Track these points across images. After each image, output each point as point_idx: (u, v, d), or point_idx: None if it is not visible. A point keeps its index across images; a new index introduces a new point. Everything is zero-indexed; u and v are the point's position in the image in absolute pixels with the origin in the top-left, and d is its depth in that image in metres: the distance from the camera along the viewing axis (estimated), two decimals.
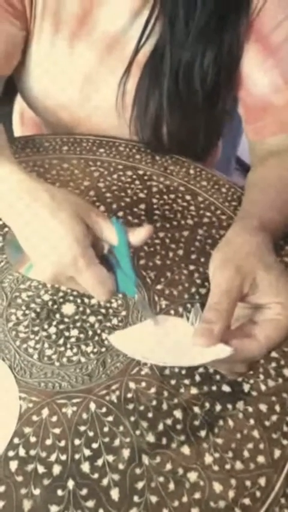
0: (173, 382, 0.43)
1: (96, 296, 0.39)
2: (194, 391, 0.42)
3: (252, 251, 0.40)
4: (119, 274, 0.40)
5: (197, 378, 0.43)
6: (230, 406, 0.42)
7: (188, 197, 0.58)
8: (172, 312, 0.47)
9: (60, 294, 0.47)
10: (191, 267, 0.51)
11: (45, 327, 0.45)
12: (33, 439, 0.39)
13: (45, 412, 0.40)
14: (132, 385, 0.42)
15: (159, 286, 0.49)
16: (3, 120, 0.87)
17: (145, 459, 0.39)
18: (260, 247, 0.41)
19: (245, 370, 0.38)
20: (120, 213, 0.55)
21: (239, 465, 0.39)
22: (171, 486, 0.38)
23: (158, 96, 0.59)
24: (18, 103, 0.83)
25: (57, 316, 0.46)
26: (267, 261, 0.39)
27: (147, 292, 0.48)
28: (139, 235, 0.41)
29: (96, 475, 0.38)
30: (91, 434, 0.39)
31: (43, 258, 0.39)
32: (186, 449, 0.39)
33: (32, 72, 0.62)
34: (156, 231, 0.54)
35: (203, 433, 0.40)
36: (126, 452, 0.39)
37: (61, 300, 0.47)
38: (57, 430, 0.39)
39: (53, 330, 0.45)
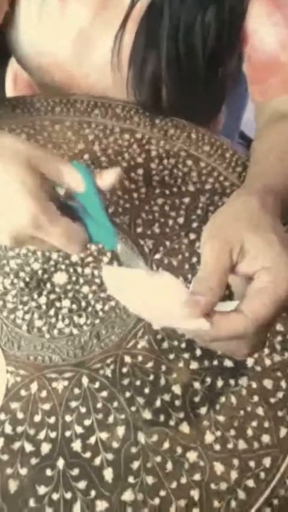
0: (171, 356, 0.40)
1: (69, 251, 0.36)
2: (194, 365, 0.39)
3: (243, 214, 0.36)
4: (89, 222, 0.36)
5: (198, 352, 0.40)
6: (232, 382, 0.39)
7: (189, 162, 0.54)
8: None
9: (52, 262, 0.44)
10: (192, 236, 0.48)
11: (35, 296, 0.42)
12: (20, 415, 0.36)
13: (34, 386, 0.37)
14: (127, 359, 0.39)
15: (157, 256, 0.46)
16: None
17: (141, 437, 0.36)
18: (253, 208, 0.37)
19: (246, 350, 0.35)
20: None
21: (242, 444, 0.37)
22: (169, 466, 0.35)
23: (156, 54, 0.54)
24: (12, 66, 0.79)
25: (48, 285, 0.43)
26: (259, 222, 0.36)
27: (144, 262, 0.45)
28: (108, 178, 0.36)
29: (88, 454, 0.35)
30: (83, 410, 0.36)
31: None
32: (185, 427, 0.37)
33: (23, 28, 0.57)
34: (155, 197, 0.50)
35: (203, 410, 0.38)
36: (120, 430, 0.36)
37: (52, 268, 0.44)
38: (46, 406, 0.36)
39: (43, 300, 0.42)
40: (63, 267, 0.44)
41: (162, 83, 0.56)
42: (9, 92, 0.79)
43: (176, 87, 0.57)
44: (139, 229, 0.47)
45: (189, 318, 0.32)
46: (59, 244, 0.35)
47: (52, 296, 0.42)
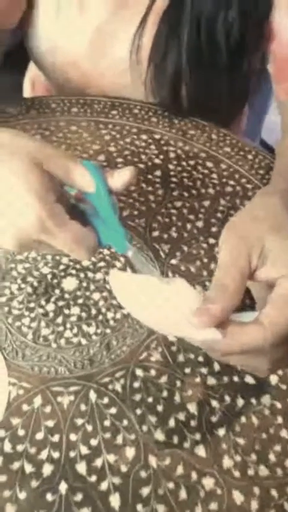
0: (187, 370, 0.36)
1: (77, 257, 0.33)
2: (212, 381, 0.36)
3: (264, 214, 0.33)
4: (99, 224, 0.34)
5: (216, 367, 0.37)
6: (254, 401, 0.35)
7: (209, 164, 0.51)
8: None
9: (62, 266, 0.41)
10: (211, 241, 0.44)
11: (43, 303, 0.39)
12: (21, 432, 0.33)
13: (37, 400, 0.34)
14: (139, 372, 0.36)
15: (173, 261, 0.43)
16: (14, 90, 0.82)
17: (152, 460, 0.33)
18: (276, 208, 0.34)
19: (267, 366, 0.31)
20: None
21: (264, 471, 0.33)
22: (183, 494, 0.32)
23: (177, 51, 0.52)
24: (30, 71, 0.78)
25: (57, 291, 0.40)
26: (281, 224, 0.33)
27: (160, 267, 0.42)
28: (120, 177, 0.33)
29: (93, 478, 0.32)
30: (90, 428, 0.33)
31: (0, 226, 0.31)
32: (201, 450, 0.33)
33: (40, 25, 0.56)
34: (173, 200, 0.47)
35: (221, 432, 0.34)
36: (130, 452, 0.33)
37: (62, 273, 0.41)
38: (50, 423, 0.34)
39: (51, 306, 0.39)
40: (73, 271, 0.41)
41: (183, 80, 0.54)
42: (27, 95, 0.78)
43: (197, 84, 0.54)
44: (155, 233, 0.45)
45: (198, 328, 0.29)
46: (67, 250, 0.32)
47: (60, 303, 0.39)
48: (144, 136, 0.53)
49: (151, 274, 0.33)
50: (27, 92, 0.79)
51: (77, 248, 0.32)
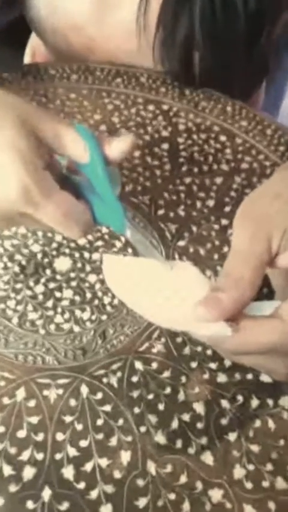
0: (194, 365, 0.32)
1: (67, 233, 0.28)
2: (222, 378, 0.31)
3: (287, 191, 0.28)
4: (94, 200, 0.29)
5: (227, 362, 0.32)
6: (270, 402, 0.31)
7: (223, 138, 0.46)
8: None
9: (54, 245, 0.37)
10: (224, 222, 0.40)
11: (31, 284, 0.35)
12: (1, 429, 0.29)
13: (20, 393, 0.30)
14: (139, 365, 0.32)
15: (181, 243, 0.38)
16: (14, 64, 0.78)
17: (151, 467, 0.28)
18: None
19: (285, 370, 0.27)
20: (137, 153, 0.44)
21: (280, 483, 0.28)
22: (186, 507, 0.27)
23: (188, 14, 0.47)
24: (31, 42, 0.73)
25: (48, 272, 0.36)
26: None
27: (165, 249, 0.38)
28: (119, 146, 0.29)
29: (82, 485, 0.27)
30: (79, 427, 0.29)
31: None
32: (208, 457, 0.29)
33: None
34: (181, 176, 0.43)
35: (232, 436, 0.29)
36: (125, 456, 0.28)
37: (54, 252, 0.37)
38: (34, 419, 0.29)
39: (40, 288, 0.35)
40: (67, 251, 0.37)
41: (195, 47, 0.49)
42: None
43: (211, 52, 0.49)
44: (161, 212, 0.40)
45: (204, 321, 0.24)
46: (55, 225, 0.28)
47: (51, 284, 0.35)
48: (151, 107, 0.48)
49: (153, 257, 0.29)
50: (27, 62, 0.74)
51: (67, 223, 0.28)
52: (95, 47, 0.53)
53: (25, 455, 0.28)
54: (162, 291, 0.26)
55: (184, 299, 0.26)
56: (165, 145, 0.45)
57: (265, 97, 0.64)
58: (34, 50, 0.70)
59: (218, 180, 0.43)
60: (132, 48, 0.52)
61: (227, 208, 0.41)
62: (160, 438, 0.29)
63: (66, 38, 0.53)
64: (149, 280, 0.27)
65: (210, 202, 0.41)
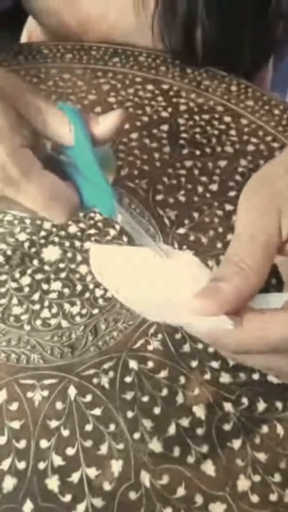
0: (194, 363, 0.29)
1: (51, 217, 0.26)
2: (225, 378, 0.28)
3: None
4: (83, 182, 0.27)
5: (231, 361, 0.29)
6: (279, 405, 0.28)
7: (227, 119, 0.43)
8: None
9: (42, 233, 0.34)
10: (228, 207, 0.37)
11: (16, 276, 0.32)
12: None
13: (1, 395, 0.27)
14: (133, 364, 0.29)
15: (181, 230, 0.35)
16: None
17: (145, 478, 0.25)
18: None
19: None
20: (135, 135, 0.41)
21: None
22: None
23: None
24: (27, 27, 0.70)
25: (35, 262, 0.33)
26: None
27: (164, 237, 0.34)
28: (107, 123, 0.26)
29: (67, 497, 0.25)
30: (66, 433, 0.26)
31: None
32: (209, 467, 0.26)
33: None
34: (182, 159, 0.39)
35: (236, 444, 0.26)
36: (116, 466, 0.25)
37: (42, 241, 0.34)
38: (15, 424, 0.26)
39: (26, 280, 0.32)
40: (56, 239, 0.34)
41: (198, 24, 0.46)
42: None
43: (215, 28, 0.46)
44: (159, 197, 0.37)
45: (201, 314, 0.21)
46: (37, 207, 0.25)
47: (39, 276, 0.32)
48: (150, 87, 0.45)
49: (147, 243, 0.26)
50: None
51: (51, 205, 0.25)
52: (90, 26, 0.50)
53: (5, 465, 0.25)
54: (155, 282, 0.24)
55: (180, 291, 0.23)
56: (165, 127, 0.42)
57: (273, 75, 0.61)
58: (30, 33, 0.67)
59: (222, 163, 0.39)
60: (129, 26, 0.49)
61: (232, 193, 0.37)
62: (155, 446, 0.26)
63: (61, 18, 0.50)
64: (141, 271, 0.24)
65: (213, 187, 0.38)
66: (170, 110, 0.43)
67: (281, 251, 0.24)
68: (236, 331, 0.21)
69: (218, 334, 0.21)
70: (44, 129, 0.26)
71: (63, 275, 0.32)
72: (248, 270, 0.22)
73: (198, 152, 0.40)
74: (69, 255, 0.33)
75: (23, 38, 0.70)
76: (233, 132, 0.42)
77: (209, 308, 0.20)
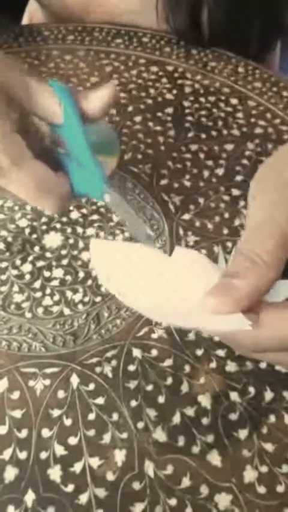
0: (199, 352, 0.28)
1: (41, 206, 0.25)
2: (231, 367, 0.28)
3: None
4: (74, 167, 0.26)
5: None
6: (287, 394, 0.27)
7: (234, 101, 0.41)
8: (204, 251, 0.32)
9: (44, 219, 0.33)
10: (235, 192, 0.35)
11: (17, 262, 0.31)
12: None
13: (3, 384, 0.27)
14: (137, 352, 0.28)
15: (186, 216, 0.34)
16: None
17: (149, 468, 0.25)
18: None
19: None
20: (138, 118, 0.39)
21: None
22: None
23: None
24: (29, 9, 0.69)
25: (36, 249, 0.32)
26: None
27: (168, 223, 0.34)
28: (97, 99, 0.25)
29: (70, 488, 0.24)
30: (68, 423, 0.26)
31: None
32: (215, 458, 0.25)
33: None
34: (187, 142, 0.38)
35: (242, 434, 0.26)
36: (119, 455, 0.25)
37: (44, 227, 0.33)
38: (17, 413, 0.26)
39: (27, 267, 0.31)
40: (58, 225, 0.33)
41: (204, 2, 0.44)
42: None
43: (221, 8, 0.44)
44: (163, 182, 0.36)
45: (215, 313, 0.20)
46: (27, 197, 0.24)
47: (40, 263, 0.31)
48: (154, 68, 0.43)
49: (141, 230, 0.24)
50: None
51: (41, 196, 0.24)
52: (92, 7, 0.48)
53: (6, 454, 0.25)
54: (162, 283, 0.22)
55: (190, 290, 0.21)
56: (170, 110, 0.40)
57: (281, 57, 0.59)
58: (32, 15, 0.66)
59: (229, 146, 0.38)
60: (133, 6, 0.48)
61: (239, 178, 0.36)
62: (160, 435, 0.25)
63: None
64: (146, 270, 0.23)
65: (220, 171, 0.37)
66: (174, 92, 0.42)
67: None
68: (253, 331, 0.20)
69: (235, 335, 0.20)
70: (33, 108, 0.25)
71: (65, 262, 0.31)
72: (263, 265, 0.20)
73: (204, 135, 0.39)
74: (71, 241, 0.32)
75: (25, 20, 0.69)
76: (240, 114, 0.40)
77: (223, 306, 0.19)
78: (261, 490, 0.25)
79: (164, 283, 0.22)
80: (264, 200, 0.22)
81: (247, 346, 0.21)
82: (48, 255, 0.32)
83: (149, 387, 0.27)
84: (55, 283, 0.30)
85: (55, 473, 0.24)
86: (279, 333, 0.20)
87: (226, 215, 0.34)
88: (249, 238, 0.21)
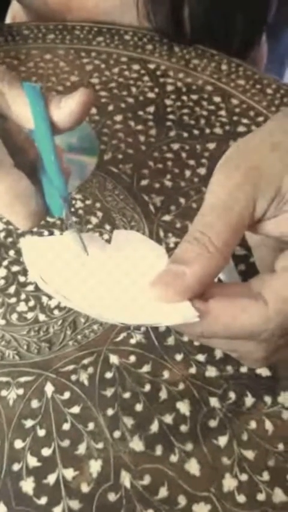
0: (178, 356, 0.27)
1: (13, 220, 0.23)
2: (211, 372, 0.27)
3: (286, 142, 0.22)
4: (45, 182, 0.23)
5: (218, 353, 0.28)
6: (268, 399, 0.26)
7: (217, 99, 0.41)
8: None
9: None
10: None
11: None
12: None
13: None
14: (114, 359, 0.27)
15: (167, 217, 0.33)
16: None
17: (125, 478, 0.24)
18: None
19: (262, 353, 0.22)
20: (119, 117, 0.39)
21: (279, 496, 0.24)
22: None
23: None
24: (12, 9, 0.68)
25: (11, 253, 0.31)
26: None
27: (148, 224, 0.33)
28: (68, 107, 0.23)
29: (43, 500, 0.23)
30: (42, 433, 0.25)
31: None
32: (193, 466, 0.24)
33: None
34: (169, 141, 0.37)
35: (222, 441, 0.25)
36: (95, 466, 0.24)
37: (19, 230, 0.32)
38: None
39: (2, 272, 0.30)
40: (34, 229, 0.32)
41: None
42: None
43: (203, 4, 0.43)
44: (144, 182, 0.35)
45: (162, 303, 0.19)
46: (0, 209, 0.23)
47: (15, 268, 0.30)
48: (136, 66, 0.43)
49: (95, 241, 0.23)
50: None
51: (13, 208, 0.22)
52: (73, 5, 0.47)
53: None
54: (103, 274, 0.21)
55: (133, 277, 0.20)
56: (151, 108, 0.40)
57: (269, 56, 0.58)
58: (14, 15, 0.65)
59: (211, 145, 0.37)
60: (114, 4, 0.47)
61: None
62: (137, 444, 0.25)
63: None
64: (84, 262, 0.21)
65: (202, 171, 0.36)
66: (156, 90, 0.41)
67: (252, 229, 0.22)
68: (200, 322, 0.19)
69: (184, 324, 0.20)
70: (6, 112, 0.24)
71: None
72: (215, 252, 0.19)
73: (185, 134, 0.38)
74: None
75: (7, 20, 0.68)
76: (222, 112, 0.40)
77: (169, 296, 0.18)
78: (241, 499, 0.24)
79: (105, 274, 0.21)
80: (225, 186, 0.21)
81: (194, 332, 0.20)
82: (23, 259, 0.31)
83: (126, 395, 0.26)
84: (30, 288, 0.30)
85: (28, 485, 0.24)
86: (227, 325, 0.19)
87: None
88: (204, 222, 0.20)
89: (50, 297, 0.29)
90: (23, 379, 0.26)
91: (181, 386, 0.27)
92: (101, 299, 0.20)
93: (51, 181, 0.23)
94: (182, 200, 0.34)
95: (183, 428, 0.25)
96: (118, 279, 0.20)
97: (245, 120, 0.39)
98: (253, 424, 0.26)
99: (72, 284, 0.20)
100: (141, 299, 0.19)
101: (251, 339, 0.20)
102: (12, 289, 0.29)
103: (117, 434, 0.25)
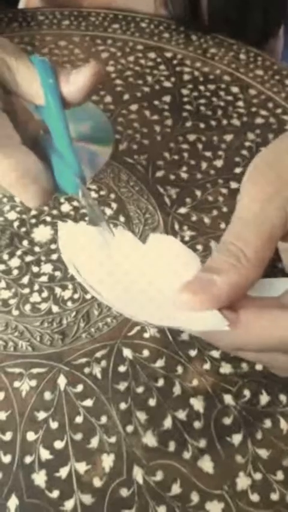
0: (193, 352, 0.27)
1: (21, 198, 0.23)
2: (226, 369, 0.27)
3: None
4: (55, 160, 0.23)
5: None
6: (283, 398, 0.26)
7: (234, 89, 0.40)
8: (199, 247, 0.31)
9: (33, 212, 0.32)
10: (234, 185, 0.34)
11: (5, 257, 0.30)
12: None
13: None
14: (127, 353, 0.27)
15: (182, 210, 0.33)
16: None
17: (138, 474, 0.24)
18: None
19: None
20: (134, 106, 0.38)
21: None
22: None
23: None
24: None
25: (25, 243, 0.31)
26: None
27: (163, 217, 0.32)
28: (78, 81, 0.23)
29: (55, 493, 0.23)
30: (54, 426, 0.25)
31: None
32: (206, 463, 0.24)
33: None
34: (185, 132, 0.37)
35: (236, 439, 0.25)
36: (107, 460, 0.24)
37: (33, 220, 0.32)
38: (1, 415, 0.25)
39: (15, 262, 0.30)
40: (48, 219, 0.32)
41: None
42: None
43: None
44: (159, 173, 0.34)
45: (192, 311, 0.18)
46: (7, 184, 0.22)
47: (28, 258, 0.30)
48: (152, 55, 0.42)
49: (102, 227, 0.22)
50: None
51: (22, 185, 0.22)
52: None
53: None
54: (134, 271, 0.21)
55: (165, 282, 0.20)
56: (167, 98, 0.39)
57: (284, 49, 0.57)
58: (28, 0, 0.64)
59: (228, 137, 0.37)
60: None
61: (238, 170, 0.35)
62: (150, 440, 0.24)
63: None
64: (117, 256, 0.21)
65: (218, 163, 0.35)
66: (173, 79, 0.40)
67: (284, 239, 0.22)
68: (231, 332, 0.19)
69: (213, 334, 0.19)
70: (15, 88, 0.23)
71: (54, 257, 0.30)
72: (247, 263, 0.19)
73: (202, 125, 0.37)
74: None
75: (21, 5, 0.67)
76: (240, 103, 0.39)
77: (199, 304, 0.18)
78: (255, 498, 0.23)
79: (137, 274, 0.21)
80: (256, 197, 0.21)
81: (225, 344, 0.20)
82: (37, 249, 0.30)
83: (140, 389, 0.26)
84: (44, 279, 0.29)
85: (40, 478, 0.23)
86: (257, 338, 0.19)
87: (224, 209, 0.33)
88: (237, 233, 0.20)
89: (63, 288, 0.29)
90: (35, 371, 0.26)
91: (195, 382, 0.26)
92: (128, 294, 0.19)
93: (62, 158, 0.23)
94: (198, 192, 0.34)
95: (197, 424, 0.25)
96: (149, 279, 0.20)
97: (263, 112, 0.38)
98: (268, 423, 0.25)
99: (101, 274, 0.20)
100: (171, 303, 0.19)
101: (285, 351, 0.19)
102: (25, 280, 0.29)
103: (130, 428, 0.25)
